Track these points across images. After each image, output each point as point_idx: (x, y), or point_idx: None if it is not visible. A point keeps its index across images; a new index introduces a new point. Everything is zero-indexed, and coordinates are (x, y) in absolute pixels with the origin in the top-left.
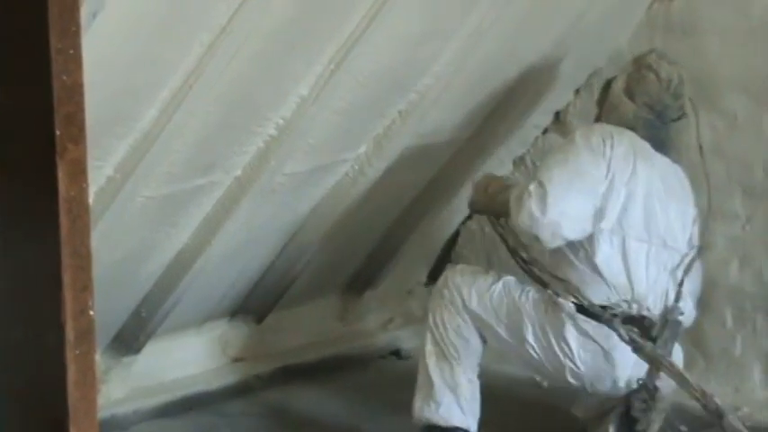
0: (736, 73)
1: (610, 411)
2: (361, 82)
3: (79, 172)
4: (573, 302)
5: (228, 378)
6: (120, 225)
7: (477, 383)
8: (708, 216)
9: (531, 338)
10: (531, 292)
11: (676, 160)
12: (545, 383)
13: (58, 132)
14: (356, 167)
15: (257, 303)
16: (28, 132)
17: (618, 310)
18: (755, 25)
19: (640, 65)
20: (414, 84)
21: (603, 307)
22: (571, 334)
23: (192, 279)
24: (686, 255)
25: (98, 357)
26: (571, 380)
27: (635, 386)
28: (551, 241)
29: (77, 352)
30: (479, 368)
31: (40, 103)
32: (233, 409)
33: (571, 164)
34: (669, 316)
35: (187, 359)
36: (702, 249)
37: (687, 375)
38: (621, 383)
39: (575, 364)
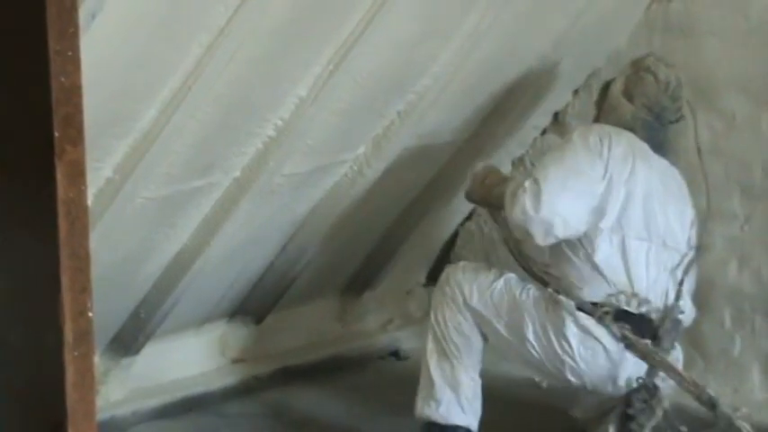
0: (735, 73)
1: (609, 412)
2: (359, 83)
3: (78, 174)
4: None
5: (228, 379)
6: (119, 226)
7: (478, 381)
8: (707, 218)
9: (531, 336)
10: (532, 290)
11: (674, 162)
12: (544, 384)
13: (56, 134)
14: (355, 168)
15: (256, 304)
16: (26, 134)
17: (610, 308)
18: (753, 26)
19: (638, 67)
20: (412, 84)
21: (595, 304)
22: (571, 331)
23: (191, 280)
24: (686, 254)
25: (97, 359)
26: (571, 378)
27: (635, 385)
28: (543, 238)
29: (76, 353)
30: (481, 366)
31: (39, 105)
32: (232, 409)
33: (567, 162)
34: (669, 315)
35: (186, 360)
36: (701, 250)
37: (679, 368)
38: (621, 382)
39: (575, 361)
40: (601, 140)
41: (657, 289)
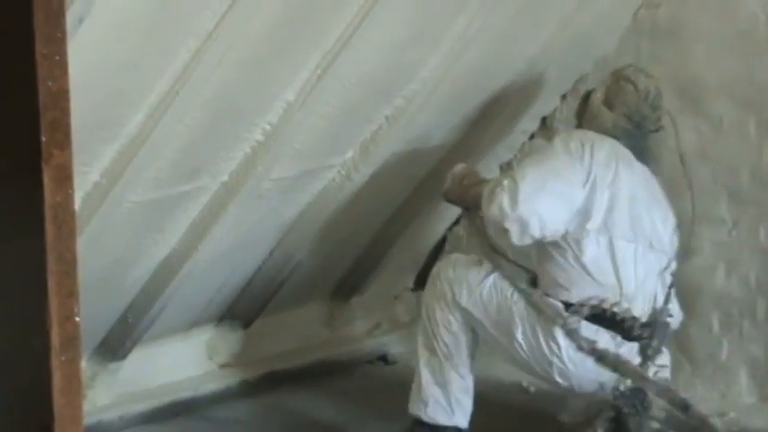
0: (722, 78)
1: (597, 416)
2: (347, 87)
3: (65, 178)
4: (561, 301)
5: (215, 383)
6: (107, 231)
7: (469, 378)
8: (692, 225)
9: (520, 336)
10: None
11: (655, 171)
12: (532, 389)
13: (43, 138)
14: (343, 173)
15: (244, 309)
16: (13, 138)
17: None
18: (740, 30)
19: (618, 77)
20: (400, 89)
21: (570, 304)
22: (560, 332)
23: (179, 285)
24: (672, 259)
25: (84, 363)
26: (559, 379)
27: (622, 387)
28: (519, 237)
29: (63, 358)
30: (471, 361)
31: (26, 109)
32: (220, 414)
33: (547, 165)
34: (658, 318)
35: (174, 365)
36: (684, 256)
37: (649, 375)
38: (609, 383)
39: (563, 363)
40: (582, 145)
41: (646, 291)
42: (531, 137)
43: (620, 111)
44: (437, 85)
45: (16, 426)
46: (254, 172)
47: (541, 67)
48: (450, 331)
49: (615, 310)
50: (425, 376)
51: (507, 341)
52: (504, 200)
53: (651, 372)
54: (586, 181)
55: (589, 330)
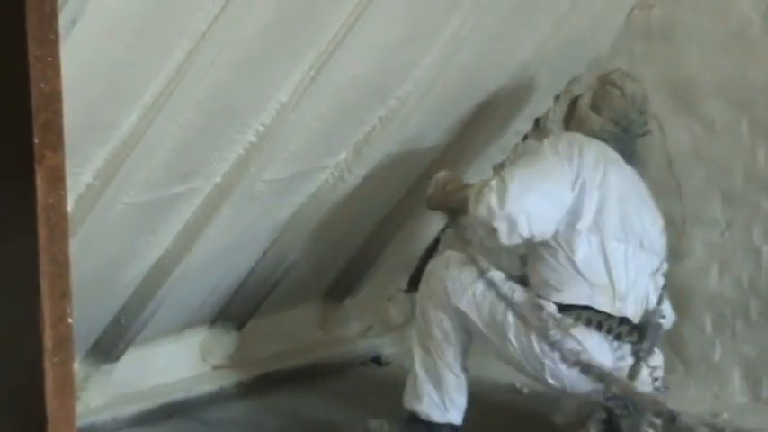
0: (715, 79)
1: (589, 417)
2: (340, 88)
3: (57, 179)
4: (554, 302)
5: (209, 385)
6: (100, 232)
7: (462, 376)
8: (683, 227)
9: (512, 337)
10: (517, 291)
11: (642, 174)
12: (525, 390)
13: (36, 140)
14: (336, 174)
15: (238, 310)
16: (5, 140)
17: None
18: (733, 31)
19: (605, 82)
20: (394, 90)
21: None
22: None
23: (172, 286)
24: (663, 260)
25: (77, 365)
26: (551, 380)
27: (614, 389)
28: (508, 237)
29: (56, 360)
30: (464, 360)
31: (18, 111)
32: (213, 416)
33: (535, 166)
34: (651, 319)
35: (167, 366)
36: (676, 258)
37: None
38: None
39: (555, 363)
40: (570, 146)
41: (638, 291)
42: (525, 138)
43: (608, 115)
44: (430, 86)
45: (9, 428)
46: (247, 173)
47: (534, 68)
48: (443, 330)
49: (608, 311)
50: (420, 374)
51: (500, 341)
52: (493, 199)
53: (644, 372)
54: (575, 182)
55: (579, 331)
